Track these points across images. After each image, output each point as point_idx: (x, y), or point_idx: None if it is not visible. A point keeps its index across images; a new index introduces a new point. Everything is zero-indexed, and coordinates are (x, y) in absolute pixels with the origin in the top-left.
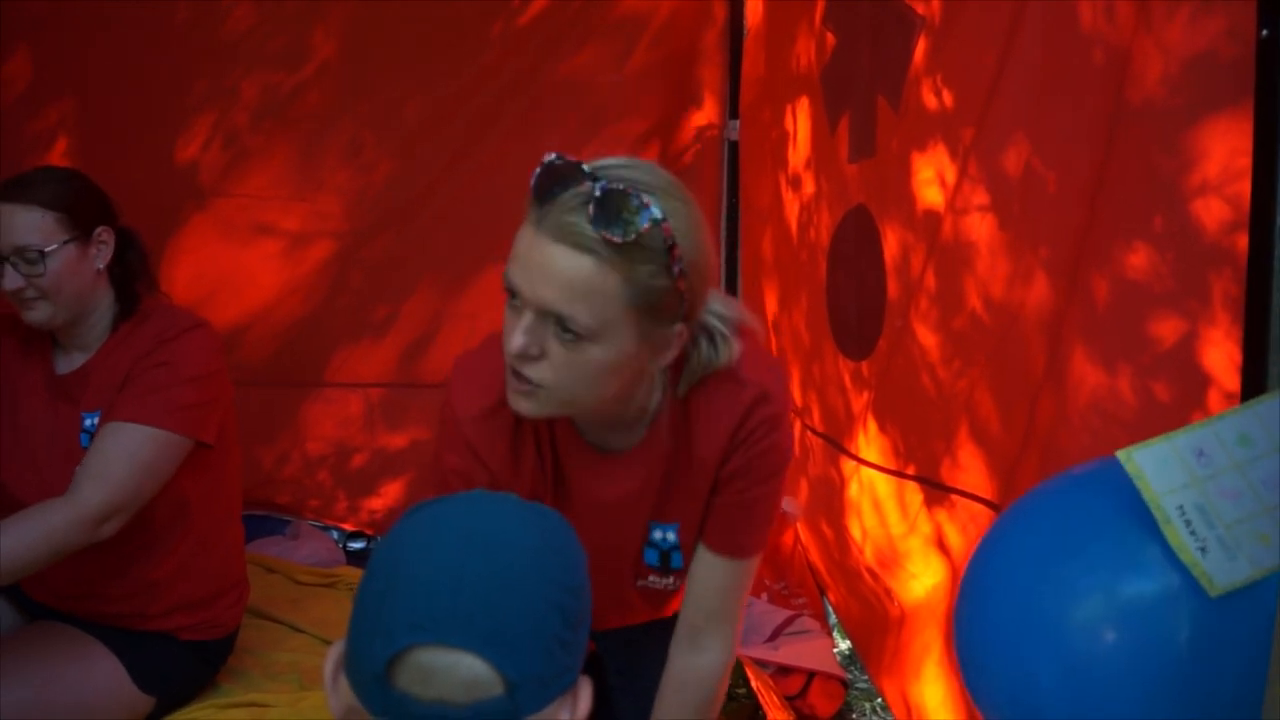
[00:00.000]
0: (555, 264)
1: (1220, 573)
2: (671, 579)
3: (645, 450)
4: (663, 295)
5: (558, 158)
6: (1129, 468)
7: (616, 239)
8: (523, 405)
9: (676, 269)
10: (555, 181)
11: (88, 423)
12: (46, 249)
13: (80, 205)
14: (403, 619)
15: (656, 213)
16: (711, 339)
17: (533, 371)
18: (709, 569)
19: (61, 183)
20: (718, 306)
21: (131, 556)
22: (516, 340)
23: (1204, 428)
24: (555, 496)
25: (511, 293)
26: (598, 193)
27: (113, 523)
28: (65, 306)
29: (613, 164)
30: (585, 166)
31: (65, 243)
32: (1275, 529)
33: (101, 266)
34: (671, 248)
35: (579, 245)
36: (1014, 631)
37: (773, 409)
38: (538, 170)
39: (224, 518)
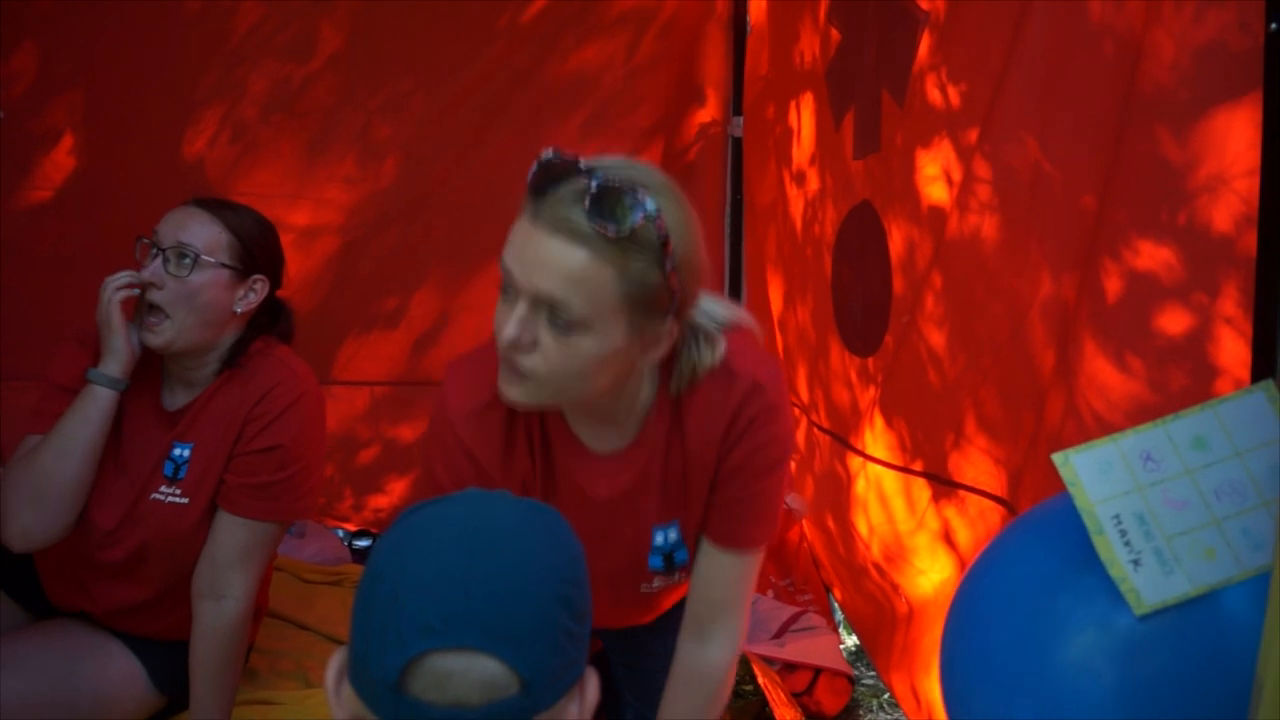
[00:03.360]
0: (551, 255)
1: (1151, 589)
2: (677, 576)
3: (638, 449)
4: (655, 290)
5: (555, 153)
6: (1064, 473)
7: (611, 233)
8: (513, 393)
9: (669, 265)
10: (552, 176)
11: (175, 452)
12: (203, 256)
13: (255, 245)
14: (414, 625)
15: (651, 208)
16: (697, 339)
17: (524, 360)
18: (713, 564)
19: (251, 220)
20: (710, 306)
21: (184, 595)
22: (510, 330)
23: (1155, 429)
24: (546, 495)
25: (506, 282)
26: (594, 187)
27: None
28: (187, 329)
29: (609, 162)
30: (581, 162)
31: (223, 265)
32: (1223, 543)
33: (240, 310)
34: (665, 243)
35: (575, 237)
36: (998, 666)
37: (766, 400)
38: (535, 165)
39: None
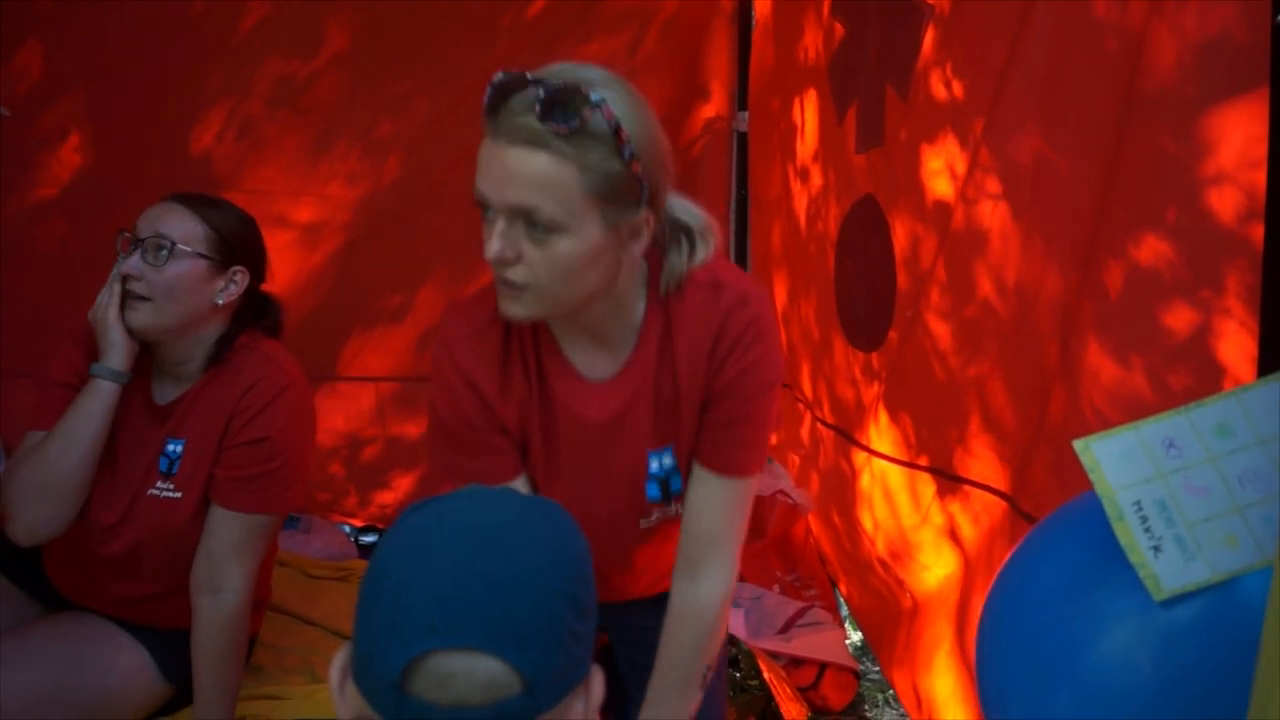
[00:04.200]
0: (514, 164)
1: (1170, 575)
2: (674, 507)
3: (630, 371)
4: (619, 179)
5: (504, 73)
6: (1084, 459)
7: (563, 129)
8: (512, 309)
9: (627, 151)
10: (504, 93)
11: (169, 448)
12: (179, 246)
13: (233, 237)
14: (417, 624)
15: (595, 98)
16: (689, 236)
17: (514, 274)
18: (705, 490)
19: (229, 213)
20: (687, 204)
21: (182, 579)
22: (493, 246)
23: (1178, 416)
24: (542, 417)
25: (482, 206)
26: (542, 94)
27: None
28: (166, 318)
29: (556, 68)
30: (529, 74)
31: (200, 255)
32: (1245, 530)
33: (222, 302)
34: (617, 130)
35: (532, 142)
36: (1035, 660)
37: (753, 310)
38: (488, 89)
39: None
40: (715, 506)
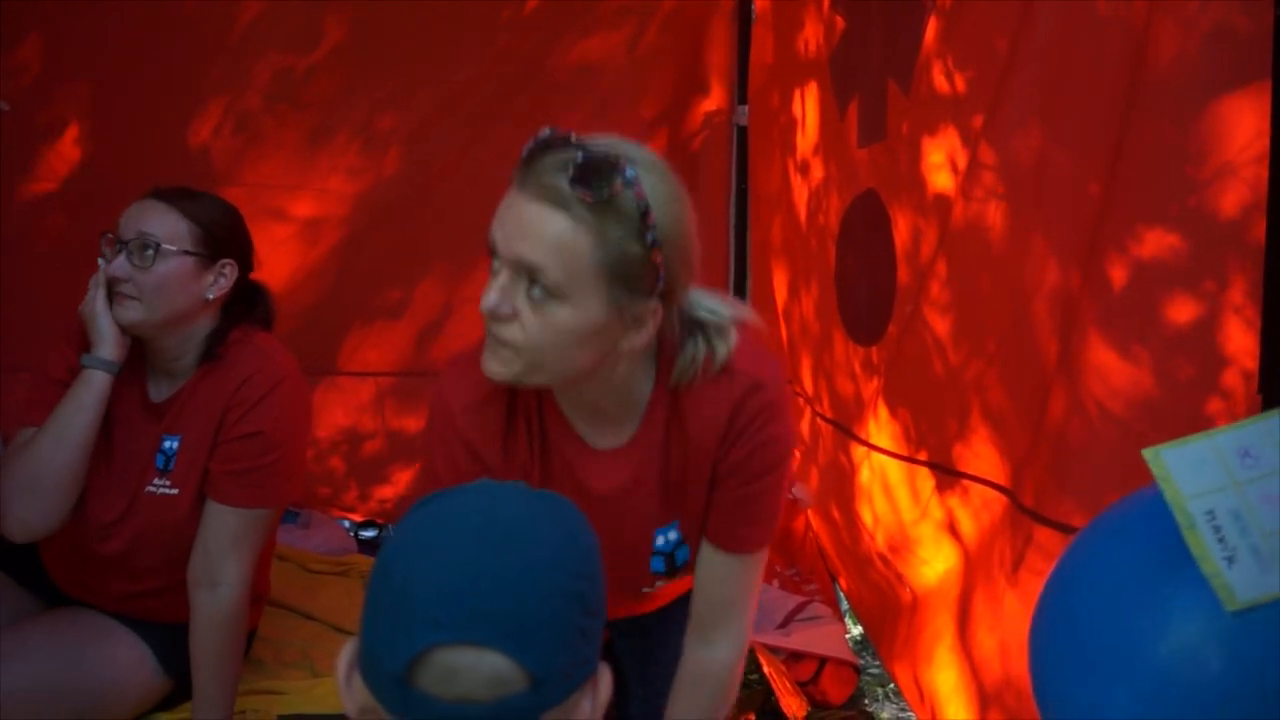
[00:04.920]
0: (530, 219)
1: (1244, 586)
2: (679, 575)
3: (636, 446)
4: (635, 263)
5: (550, 130)
6: (1154, 468)
7: (590, 197)
8: (491, 365)
9: (649, 237)
10: (543, 149)
11: (165, 444)
12: (164, 245)
13: (217, 230)
14: (422, 618)
15: (630, 175)
16: (705, 334)
17: (504, 331)
18: (715, 566)
19: (211, 205)
20: (711, 303)
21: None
22: (490, 297)
23: (1255, 424)
24: (545, 487)
25: (491, 253)
26: (579, 157)
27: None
28: (156, 316)
29: (604, 137)
30: (573, 137)
31: (185, 252)
32: None
33: (212, 297)
34: (645, 213)
35: (554, 202)
36: (1095, 657)
37: (766, 397)
38: (530, 142)
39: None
40: (726, 580)
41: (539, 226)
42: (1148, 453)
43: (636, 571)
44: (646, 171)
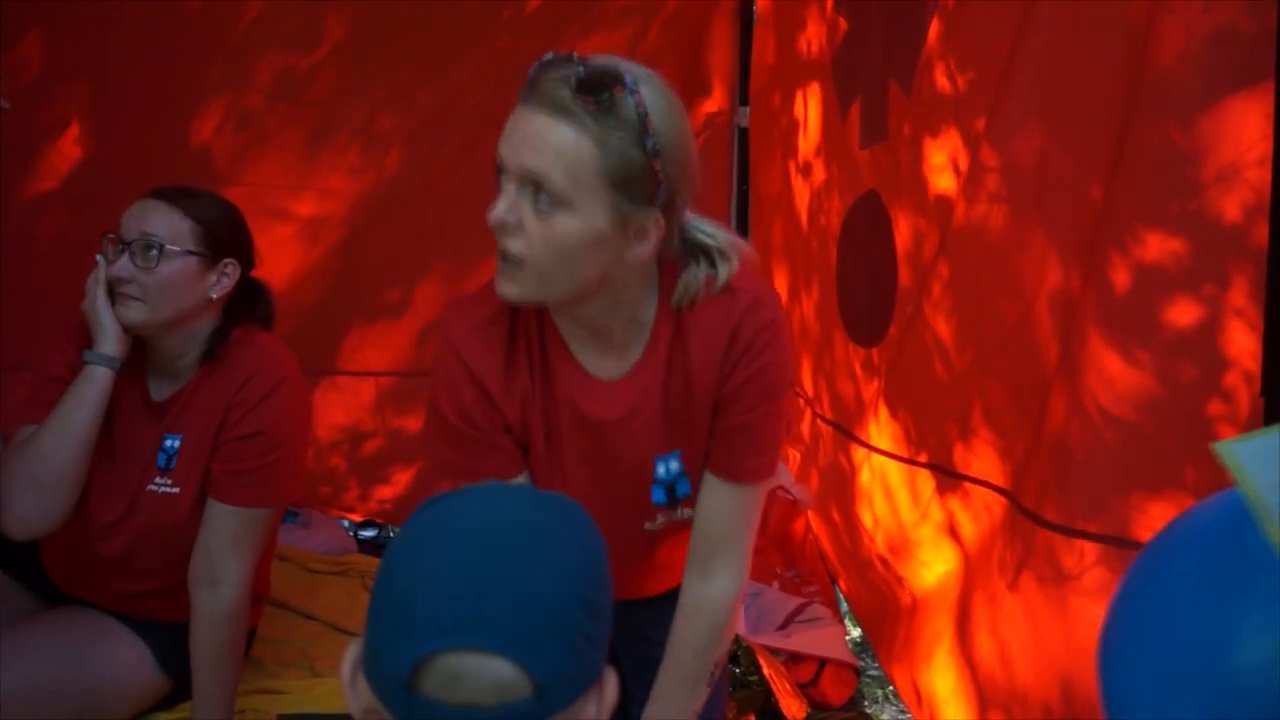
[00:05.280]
0: (535, 129)
1: None
2: (679, 511)
3: (638, 373)
4: (636, 169)
5: (554, 52)
6: (1228, 462)
7: (590, 104)
8: (506, 287)
9: (650, 143)
10: (547, 66)
11: (167, 443)
12: (168, 246)
13: (220, 229)
14: (426, 623)
15: (629, 82)
16: (709, 257)
17: (512, 244)
18: (716, 496)
19: (212, 204)
20: (710, 228)
21: (182, 574)
22: (497, 210)
23: None
24: (546, 413)
25: (499, 170)
26: (580, 69)
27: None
28: (160, 316)
29: (603, 56)
30: (575, 55)
31: (189, 253)
32: None
33: (215, 296)
34: (645, 119)
35: (558, 110)
36: (1166, 673)
37: (766, 315)
38: (535, 64)
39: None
40: (726, 510)
41: (543, 136)
42: (1221, 447)
43: (638, 503)
44: (646, 84)
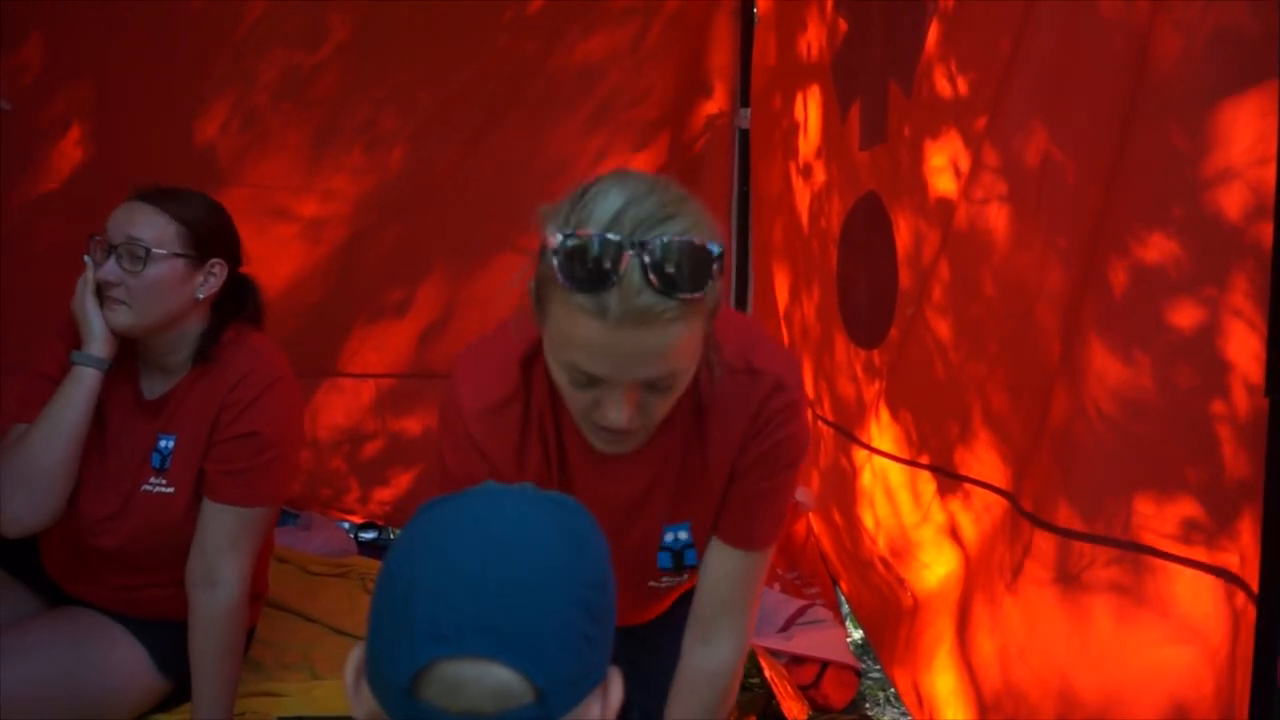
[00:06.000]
0: (651, 346)
1: None
2: (684, 576)
3: (655, 449)
4: (716, 309)
5: (576, 237)
6: None
7: (699, 296)
8: (614, 448)
9: (719, 269)
10: (596, 265)
11: (161, 444)
12: (154, 249)
13: (205, 230)
14: (425, 631)
15: (716, 251)
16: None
17: (631, 424)
18: (721, 561)
19: (197, 204)
20: None
21: (181, 570)
22: (623, 417)
23: None
24: (559, 488)
25: (583, 376)
26: (655, 260)
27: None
28: (147, 320)
29: (630, 212)
30: (612, 236)
31: (176, 255)
32: None
33: (203, 296)
34: (721, 257)
35: (666, 319)
36: None
37: (788, 397)
38: (560, 256)
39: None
40: (731, 576)
41: (658, 349)
42: None
43: (644, 566)
44: (696, 221)
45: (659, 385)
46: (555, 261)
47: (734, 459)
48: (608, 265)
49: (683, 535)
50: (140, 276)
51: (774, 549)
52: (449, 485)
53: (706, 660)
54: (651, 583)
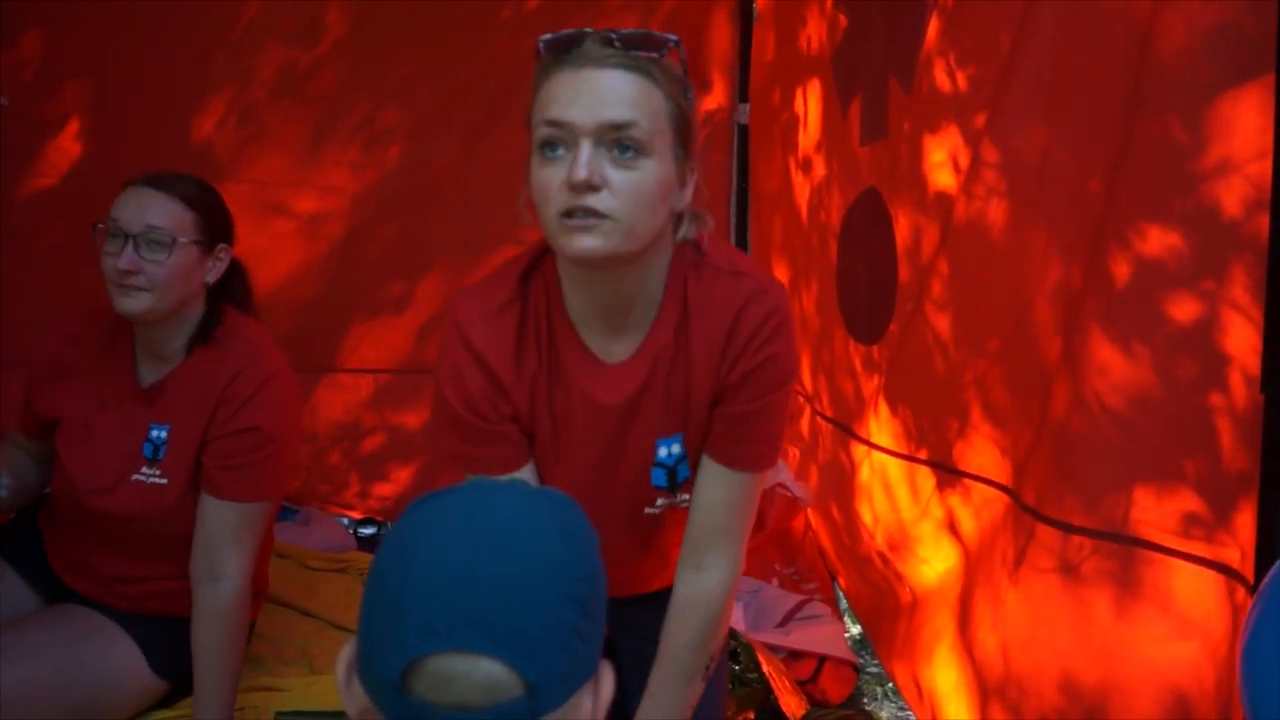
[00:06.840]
0: (610, 84)
1: None
2: (680, 496)
3: (644, 356)
4: (687, 117)
5: (553, 33)
6: None
7: (652, 56)
8: (586, 241)
9: (689, 96)
10: (574, 37)
11: (154, 434)
12: (179, 238)
13: (214, 215)
14: (415, 626)
15: (673, 38)
16: (691, 218)
17: (598, 202)
18: (714, 482)
19: (203, 189)
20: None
21: (183, 563)
22: (580, 171)
23: None
24: (553, 401)
25: (553, 138)
26: (616, 33)
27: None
28: (165, 304)
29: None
30: (587, 28)
31: (194, 242)
32: None
33: (210, 281)
34: (685, 72)
35: (626, 65)
36: None
37: (772, 303)
38: (547, 37)
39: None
40: (723, 499)
41: (619, 88)
42: None
43: (639, 486)
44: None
45: (622, 144)
46: (541, 49)
47: (718, 368)
48: (574, 36)
49: (675, 449)
50: (164, 265)
51: (767, 474)
52: (446, 417)
53: (698, 587)
54: (648, 508)
